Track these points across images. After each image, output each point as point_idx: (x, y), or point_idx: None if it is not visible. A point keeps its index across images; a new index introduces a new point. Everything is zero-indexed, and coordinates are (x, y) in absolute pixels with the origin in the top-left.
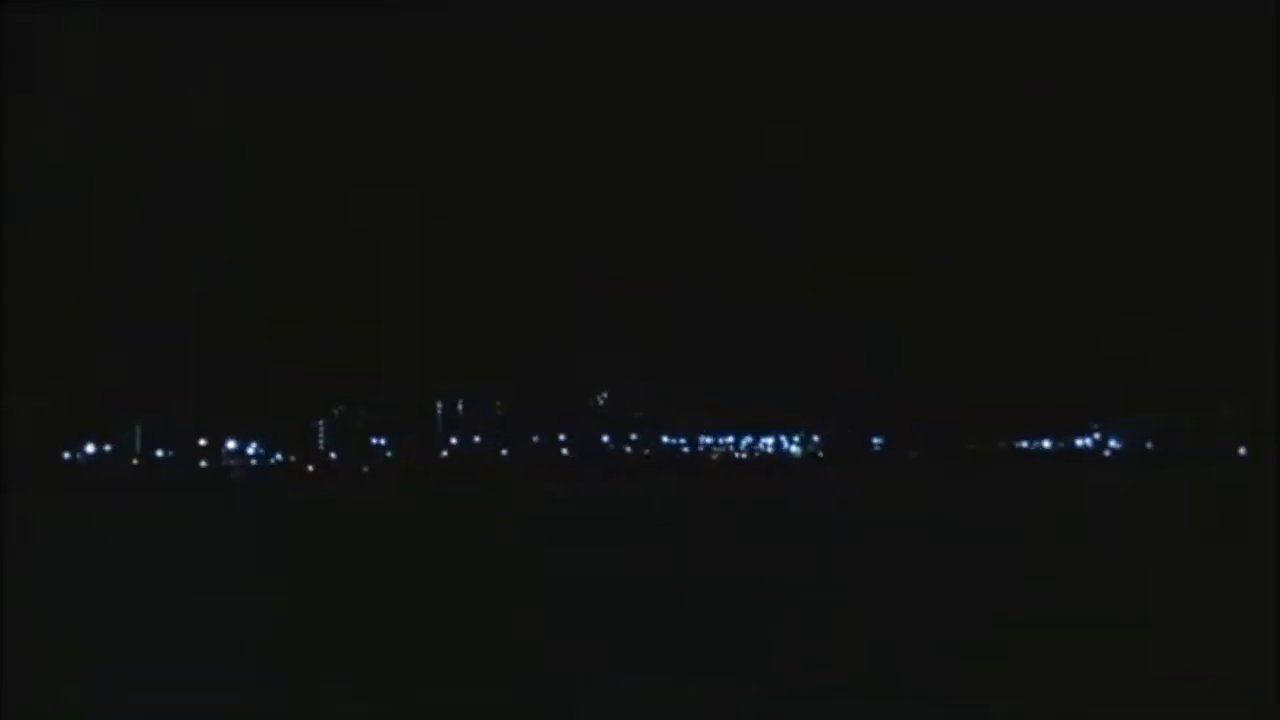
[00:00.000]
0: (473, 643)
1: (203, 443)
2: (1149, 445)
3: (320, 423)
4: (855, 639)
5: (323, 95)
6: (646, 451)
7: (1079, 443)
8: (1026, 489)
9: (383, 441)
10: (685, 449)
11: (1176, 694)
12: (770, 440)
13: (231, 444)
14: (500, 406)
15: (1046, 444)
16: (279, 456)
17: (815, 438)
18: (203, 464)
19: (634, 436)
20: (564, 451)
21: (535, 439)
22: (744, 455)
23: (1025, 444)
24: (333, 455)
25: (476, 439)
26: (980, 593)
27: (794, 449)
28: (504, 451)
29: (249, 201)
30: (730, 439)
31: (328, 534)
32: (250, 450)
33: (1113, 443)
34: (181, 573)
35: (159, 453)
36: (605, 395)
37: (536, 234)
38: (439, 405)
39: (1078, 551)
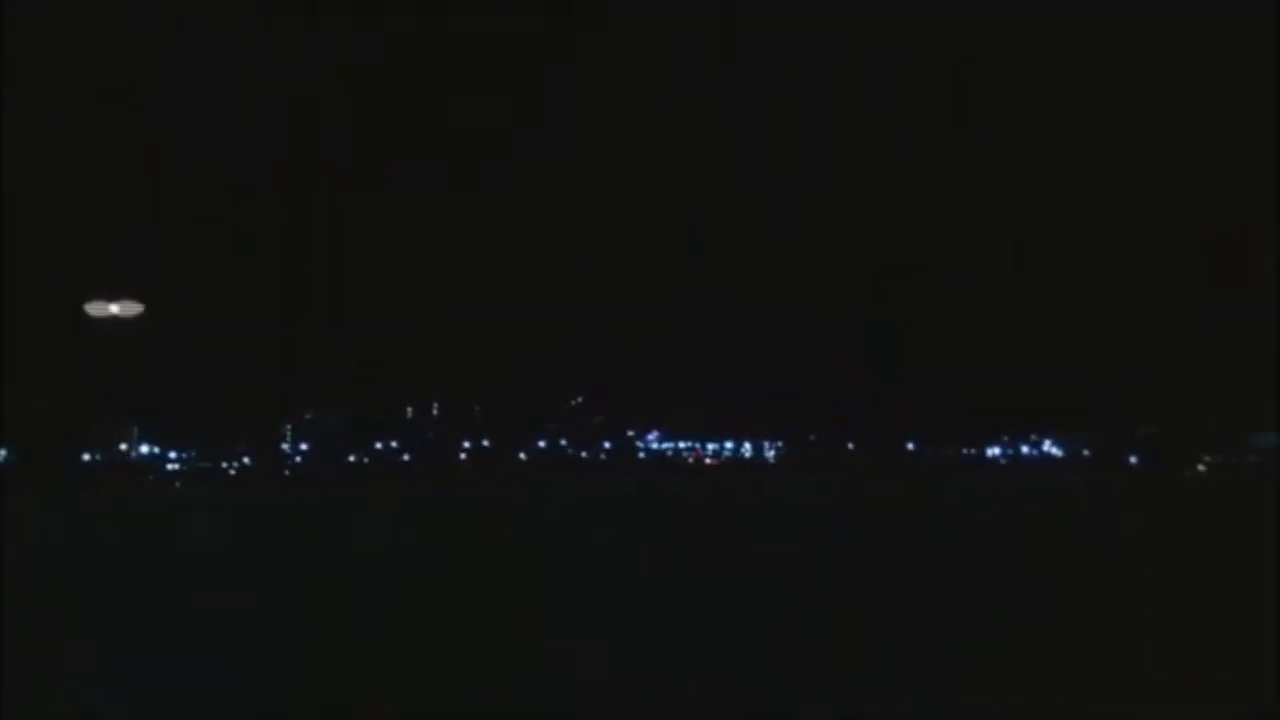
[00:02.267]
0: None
1: (123, 446)
2: (1085, 453)
3: (288, 427)
4: (855, 639)
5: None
6: (599, 453)
7: (1024, 450)
8: (998, 490)
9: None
10: (649, 451)
11: (1176, 694)
12: (732, 445)
13: (144, 448)
14: (478, 410)
15: (995, 450)
16: (242, 461)
17: (779, 443)
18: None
19: (607, 440)
20: (540, 453)
21: (511, 442)
22: (714, 460)
23: (969, 451)
24: (297, 459)
25: (459, 441)
26: (978, 593)
27: (768, 454)
28: (461, 455)
29: (226, 203)
30: (696, 444)
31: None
32: (174, 454)
33: (1054, 450)
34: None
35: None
36: (580, 399)
37: (505, 236)
38: (409, 410)
39: (1075, 551)
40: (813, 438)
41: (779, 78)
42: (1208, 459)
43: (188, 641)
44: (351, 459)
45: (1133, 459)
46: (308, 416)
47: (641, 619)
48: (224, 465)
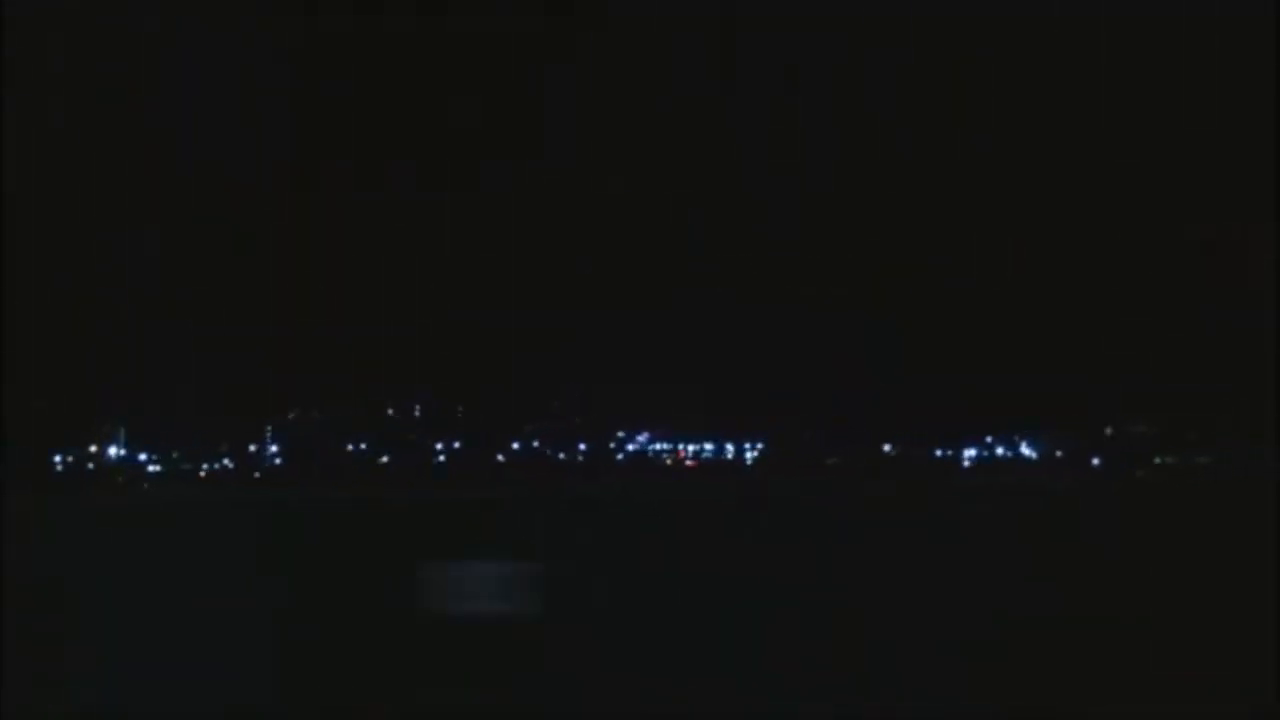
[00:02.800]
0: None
1: (93, 448)
2: (1059, 454)
3: (269, 428)
4: (846, 638)
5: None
6: (576, 455)
7: (1000, 451)
8: (980, 492)
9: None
10: (626, 453)
11: (1176, 694)
12: (713, 446)
13: (113, 450)
14: (461, 411)
15: (971, 452)
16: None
17: (758, 444)
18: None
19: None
20: (517, 455)
21: (489, 442)
22: (694, 462)
23: (941, 452)
24: (277, 461)
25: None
26: (976, 593)
27: (749, 455)
28: (441, 456)
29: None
30: (677, 445)
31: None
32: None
33: (1027, 451)
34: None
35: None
36: (559, 401)
37: (497, 237)
38: (390, 410)
39: (1074, 552)
40: (802, 437)
41: (779, 78)
42: (1158, 461)
43: (185, 643)
44: (330, 460)
45: (1095, 460)
46: (290, 417)
47: (621, 623)
48: (203, 467)
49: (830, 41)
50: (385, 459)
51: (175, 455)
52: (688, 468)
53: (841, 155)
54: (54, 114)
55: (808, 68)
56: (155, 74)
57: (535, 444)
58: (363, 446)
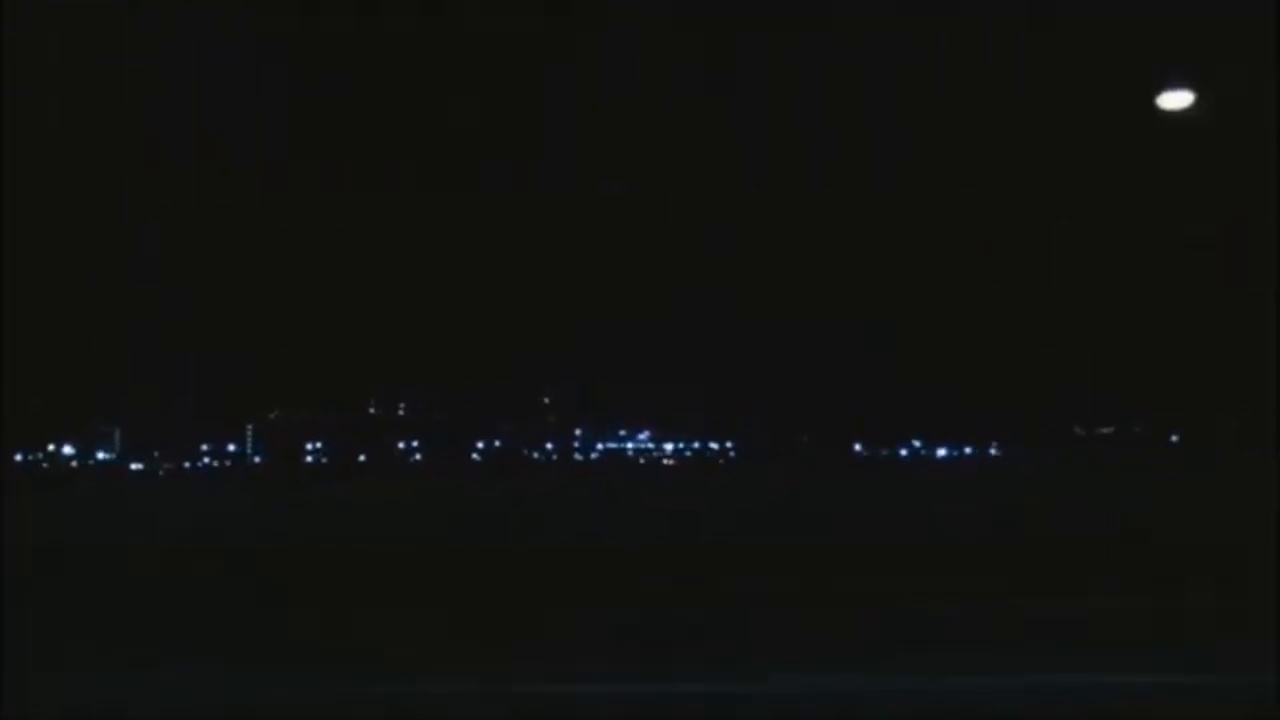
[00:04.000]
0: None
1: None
2: (992, 451)
3: (249, 428)
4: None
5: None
6: (552, 454)
7: (940, 452)
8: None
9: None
10: (601, 451)
11: (1177, 692)
12: (695, 444)
13: (68, 448)
14: (445, 408)
15: (942, 451)
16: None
17: (735, 443)
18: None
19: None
20: (495, 453)
21: (481, 443)
22: (672, 461)
23: (908, 451)
24: (256, 460)
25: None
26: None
27: (731, 453)
28: (416, 455)
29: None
30: (653, 443)
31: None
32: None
33: (968, 450)
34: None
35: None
36: (548, 399)
37: (475, 235)
38: (371, 408)
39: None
40: (779, 436)
41: (779, 77)
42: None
43: (176, 641)
44: (310, 459)
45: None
46: (271, 416)
47: (612, 621)
48: (184, 465)
49: (830, 41)
50: (363, 457)
51: (156, 454)
52: (666, 466)
53: (841, 158)
54: (54, 113)
55: (807, 68)
56: (155, 73)
57: (498, 443)
58: (317, 445)
